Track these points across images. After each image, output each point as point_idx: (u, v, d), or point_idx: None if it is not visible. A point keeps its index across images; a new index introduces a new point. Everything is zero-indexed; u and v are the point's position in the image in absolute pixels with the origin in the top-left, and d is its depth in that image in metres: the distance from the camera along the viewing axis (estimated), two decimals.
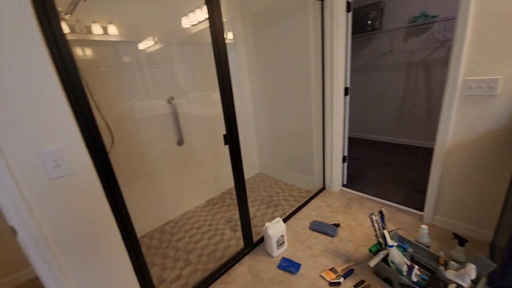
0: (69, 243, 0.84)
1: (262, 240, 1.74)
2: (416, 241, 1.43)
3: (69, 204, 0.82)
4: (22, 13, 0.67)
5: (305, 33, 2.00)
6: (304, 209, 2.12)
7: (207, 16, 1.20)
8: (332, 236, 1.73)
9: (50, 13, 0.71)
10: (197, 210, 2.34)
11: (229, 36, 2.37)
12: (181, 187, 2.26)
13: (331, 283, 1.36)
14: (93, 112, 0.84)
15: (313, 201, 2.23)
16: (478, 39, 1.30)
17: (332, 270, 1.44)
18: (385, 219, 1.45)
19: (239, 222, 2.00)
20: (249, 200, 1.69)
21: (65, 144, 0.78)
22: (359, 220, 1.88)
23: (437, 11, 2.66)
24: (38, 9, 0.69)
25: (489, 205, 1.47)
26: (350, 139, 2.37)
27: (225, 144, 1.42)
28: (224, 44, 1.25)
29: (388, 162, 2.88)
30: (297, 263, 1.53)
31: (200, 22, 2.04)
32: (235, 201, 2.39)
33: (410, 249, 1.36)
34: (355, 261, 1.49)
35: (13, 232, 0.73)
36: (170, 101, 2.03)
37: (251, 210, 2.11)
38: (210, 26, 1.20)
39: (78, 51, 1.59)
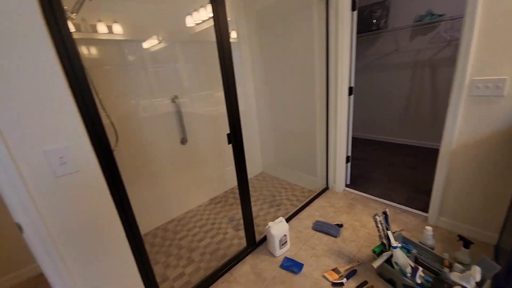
0: (74, 239, 0.85)
1: (264, 239, 1.74)
2: (420, 243, 1.41)
3: (75, 201, 0.83)
4: (30, 12, 0.68)
5: (310, 32, 1.99)
6: (307, 209, 2.12)
7: (211, 15, 1.19)
8: (335, 237, 1.72)
9: (57, 12, 0.72)
10: (200, 208, 2.35)
11: (232, 35, 2.37)
12: (184, 186, 2.27)
13: (333, 284, 1.35)
14: (99, 111, 0.85)
15: (316, 201, 2.22)
16: (486, 39, 1.28)
17: (335, 270, 1.43)
18: (389, 220, 1.43)
19: (241, 221, 2.00)
20: (252, 199, 1.69)
21: (70, 142, 0.79)
22: (362, 220, 1.87)
23: (444, 10, 2.63)
24: (45, 8, 0.70)
25: (494, 207, 1.45)
26: (354, 139, 2.35)
27: (229, 143, 1.42)
28: (229, 43, 1.25)
29: (392, 163, 2.86)
30: (300, 263, 1.52)
31: (204, 21, 2.05)
32: (238, 200, 2.39)
33: (414, 251, 1.35)
34: (358, 262, 1.49)
35: (19, 228, 0.74)
36: (174, 100, 2.03)
37: (254, 210, 2.10)
38: (215, 25, 1.20)
39: (83, 50, 1.60)
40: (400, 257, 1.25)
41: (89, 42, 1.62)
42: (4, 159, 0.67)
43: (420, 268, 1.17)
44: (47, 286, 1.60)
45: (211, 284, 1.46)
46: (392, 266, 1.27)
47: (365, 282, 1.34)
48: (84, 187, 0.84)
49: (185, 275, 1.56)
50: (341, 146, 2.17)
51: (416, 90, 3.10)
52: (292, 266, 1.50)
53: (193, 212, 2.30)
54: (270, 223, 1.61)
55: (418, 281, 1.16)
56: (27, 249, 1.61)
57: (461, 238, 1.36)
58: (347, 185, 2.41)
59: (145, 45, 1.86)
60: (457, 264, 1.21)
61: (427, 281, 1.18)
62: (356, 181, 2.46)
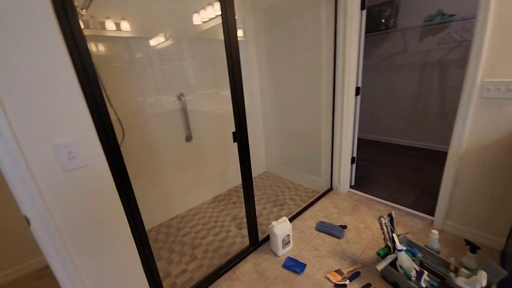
0: (80, 233, 0.86)
1: (267, 238, 1.74)
2: (426, 246, 1.39)
3: (82, 195, 0.84)
4: (41, 7, 0.68)
5: (317, 31, 1.97)
6: (311, 209, 2.11)
7: (219, 13, 1.19)
8: (339, 238, 1.71)
9: (68, 8, 0.72)
10: (203, 206, 2.36)
11: (239, 33, 2.36)
12: (188, 183, 2.28)
13: (336, 285, 1.34)
14: (107, 106, 0.85)
15: (320, 201, 2.21)
16: (498, 40, 1.26)
17: (338, 272, 1.42)
18: (394, 222, 1.42)
19: (244, 220, 2.00)
20: (255, 198, 1.69)
21: (79, 137, 0.80)
22: (366, 222, 1.86)
23: (455, 10, 2.57)
24: (56, 4, 0.70)
25: (502, 212, 1.42)
26: (359, 139, 2.32)
27: (234, 141, 1.42)
28: (236, 42, 1.25)
29: (398, 164, 2.82)
30: (303, 263, 1.52)
31: (211, 19, 2.05)
32: (241, 199, 2.40)
33: (419, 254, 1.33)
34: (362, 264, 1.47)
35: (27, 221, 0.75)
36: (180, 97, 2.04)
37: (257, 209, 2.10)
38: (223, 23, 1.20)
39: (92, 47, 1.62)
40: (405, 260, 1.23)
41: (98, 39, 1.63)
42: (14, 153, 0.68)
43: (426, 272, 1.16)
44: (52, 279, 1.63)
45: (213, 282, 1.46)
46: (397, 269, 1.26)
47: (369, 285, 1.33)
48: (92, 181, 0.85)
49: (188, 272, 1.57)
50: (346, 147, 2.15)
51: (424, 91, 3.05)
52: (294, 266, 1.50)
53: (196, 210, 2.31)
54: (273, 223, 1.60)
55: (423, 285, 1.14)
56: (32, 242, 1.66)
57: (467, 242, 1.34)
58: (351, 186, 2.39)
59: (152, 42, 1.87)
60: (463, 269, 1.19)
61: (432, 285, 1.16)
62: (361, 183, 2.44)
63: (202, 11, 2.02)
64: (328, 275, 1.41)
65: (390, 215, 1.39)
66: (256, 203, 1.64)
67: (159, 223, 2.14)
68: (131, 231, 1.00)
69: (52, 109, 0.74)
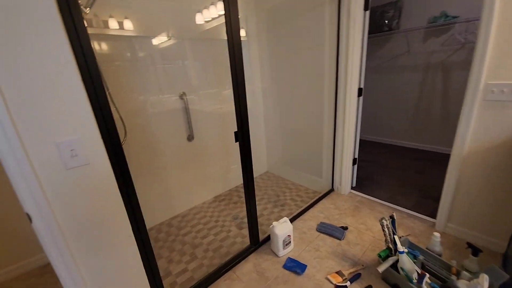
0: (82, 231, 0.86)
1: (268, 239, 1.74)
2: (427, 249, 1.39)
3: (84, 193, 0.84)
4: (46, 5, 0.68)
5: (320, 31, 1.97)
6: (311, 210, 2.10)
7: (222, 12, 1.19)
8: (340, 239, 1.71)
9: (72, 7, 0.72)
10: (204, 205, 2.36)
11: (241, 33, 2.36)
12: (189, 182, 2.28)
13: (337, 286, 1.34)
14: (110, 105, 0.85)
15: (321, 202, 2.21)
16: (503, 42, 1.25)
17: (339, 273, 1.42)
18: (396, 224, 1.41)
19: (245, 220, 2.00)
20: (256, 198, 1.68)
21: (82, 135, 0.80)
22: (367, 224, 1.85)
23: (458, 11, 2.56)
24: (61, 3, 0.70)
25: (504, 214, 1.42)
26: (361, 141, 2.32)
27: (236, 141, 1.41)
28: (239, 41, 1.25)
29: (399, 166, 2.81)
30: (303, 264, 1.51)
31: (213, 19, 2.05)
32: (242, 199, 2.40)
33: (421, 257, 1.32)
34: (363, 265, 1.47)
35: (29, 218, 0.75)
36: (182, 96, 2.04)
37: (258, 209, 2.10)
38: (226, 23, 1.20)
39: (94, 45, 1.62)
40: (407, 262, 1.23)
41: (100, 37, 1.64)
42: (16, 151, 0.68)
43: (427, 275, 1.15)
44: (52, 276, 1.64)
45: (213, 281, 1.46)
46: (398, 272, 1.25)
47: (370, 286, 1.32)
48: (94, 180, 0.85)
49: (188, 271, 1.57)
50: (348, 148, 2.15)
51: (426, 93, 3.04)
52: (295, 266, 1.49)
53: (197, 209, 2.31)
54: (274, 223, 1.60)
55: (424, 287, 1.13)
56: (33, 240, 1.66)
57: (469, 245, 1.33)
58: (353, 188, 2.38)
59: (155, 41, 1.87)
60: (464, 272, 1.18)
61: None
62: (362, 184, 2.43)
63: (205, 11, 2.02)
64: (328, 276, 1.40)
65: (391, 217, 1.38)
66: (257, 203, 1.64)
67: (160, 222, 2.15)
68: (132, 229, 1.00)
69: (55, 106, 0.74)
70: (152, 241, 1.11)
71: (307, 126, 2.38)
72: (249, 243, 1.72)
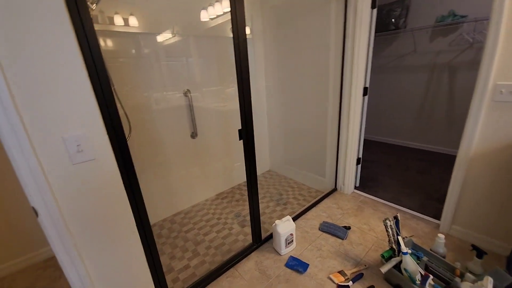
0: (87, 226, 0.86)
1: (270, 237, 1.74)
2: (431, 250, 1.38)
3: (89, 189, 0.84)
4: (54, 2, 0.69)
5: (326, 30, 1.95)
6: (314, 209, 2.10)
7: (227, 10, 1.18)
8: (342, 239, 1.70)
9: (79, 3, 0.72)
10: (207, 203, 2.37)
11: (246, 31, 2.35)
12: (192, 180, 2.29)
13: (339, 286, 1.34)
14: (115, 101, 0.85)
15: (324, 201, 2.20)
16: None
17: (341, 272, 1.41)
18: (399, 225, 1.40)
19: (247, 218, 2.01)
20: (259, 196, 1.68)
21: (88, 130, 0.80)
22: (370, 224, 1.84)
23: (467, 11, 2.52)
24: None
25: (509, 217, 1.40)
26: (365, 140, 2.30)
27: (240, 139, 1.41)
28: (245, 39, 1.24)
29: (403, 167, 2.79)
30: (305, 263, 1.51)
31: (218, 16, 2.04)
32: (244, 197, 2.40)
33: (424, 258, 1.31)
34: (365, 265, 1.46)
35: (35, 212, 0.76)
36: (186, 94, 2.04)
37: (260, 207, 2.10)
38: (232, 20, 1.19)
39: (100, 41, 1.62)
40: (410, 263, 1.22)
41: (106, 33, 1.64)
42: (23, 145, 0.69)
43: (431, 276, 1.14)
44: (56, 270, 1.66)
45: (215, 278, 1.47)
46: (401, 272, 1.25)
47: (372, 287, 1.32)
48: (99, 175, 0.86)
49: (190, 268, 1.58)
50: (352, 147, 2.13)
51: (432, 93, 3.01)
52: (297, 265, 1.49)
53: (199, 206, 2.32)
54: (277, 221, 1.60)
55: None
56: (37, 233, 1.68)
57: (474, 247, 1.32)
58: (356, 187, 2.37)
59: (160, 38, 1.87)
60: (468, 274, 1.18)
61: None
62: (365, 184, 2.42)
63: (210, 8, 2.02)
64: (331, 276, 1.40)
65: (395, 218, 1.37)
66: (259, 201, 1.64)
67: (162, 218, 2.16)
68: (136, 225, 1.01)
69: (62, 101, 0.74)
70: (154, 237, 1.11)
71: (310, 125, 2.37)
72: (251, 241, 1.72)
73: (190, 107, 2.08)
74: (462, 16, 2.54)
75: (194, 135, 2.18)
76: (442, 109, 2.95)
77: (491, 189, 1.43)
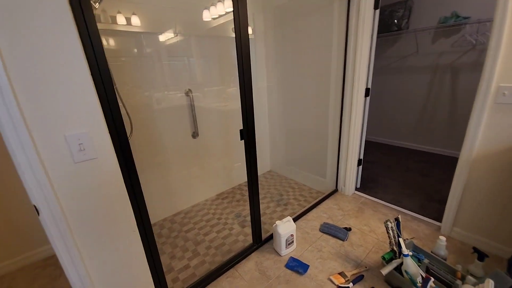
0: (88, 224, 0.86)
1: (270, 237, 1.73)
2: (432, 253, 1.37)
3: (91, 188, 0.84)
4: (59, 3, 0.69)
5: (328, 30, 1.95)
6: (315, 210, 2.09)
7: (229, 10, 1.18)
8: (343, 240, 1.70)
9: (83, 2, 0.72)
10: (207, 203, 2.37)
11: (248, 31, 2.35)
12: (192, 179, 2.29)
13: (339, 287, 1.33)
14: (117, 100, 0.85)
15: (324, 202, 2.19)
16: None
17: (341, 274, 1.41)
18: (400, 226, 1.39)
19: (248, 218, 2.00)
20: (259, 197, 1.67)
21: (90, 129, 0.80)
22: (371, 225, 1.83)
23: (470, 12, 2.51)
24: None
25: (511, 220, 1.39)
26: (366, 142, 2.29)
27: (241, 139, 1.41)
28: (247, 39, 1.24)
29: (405, 168, 2.78)
30: (305, 264, 1.51)
31: (220, 16, 2.04)
32: (245, 197, 2.40)
33: (425, 260, 1.31)
34: (366, 267, 1.46)
35: (36, 210, 0.76)
36: (187, 93, 2.04)
37: (261, 207, 2.10)
38: (235, 20, 1.19)
39: (102, 41, 1.63)
40: (411, 265, 1.21)
41: (108, 33, 1.64)
42: (25, 143, 0.69)
43: (432, 279, 1.14)
44: (56, 268, 1.66)
45: (215, 279, 1.46)
46: (402, 274, 1.24)
47: None
48: (101, 174, 0.86)
49: (190, 268, 1.58)
50: (353, 148, 2.13)
51: (434, 95, 3.00)
52: (297, 266, 1.49)
53: (200, 206, 2.32)
54: (277, 222, 1.60)
55: None
56: (37, 232, 1.68)
57: (475, 250, 1.31)
58: (357, 189, 2.36)
59: (162, 38, 1.87)
60: (470, 277, 1.17)
61: None
62: (366, 185, 2.41)
63: (212, 8, 2.02)
64: (331, 277, 1.40)
65: (396, 219, 1.36)
66: (260, 201, 1.63)
67: (163, 218, 2.16)
68: (137, 224, 1.01)
69: (64, 99, 0.74)
70: (155, 237, 1.11)
71: (312, 126, 2.37)
72: (251, 241, 1.72)
73: (192, 107, 2.08)
74: (465, 18, 2.53)
75: (195, 135, 2.18)
76: (444, 110, 2.94)
77: (493, 191, 1.43)
